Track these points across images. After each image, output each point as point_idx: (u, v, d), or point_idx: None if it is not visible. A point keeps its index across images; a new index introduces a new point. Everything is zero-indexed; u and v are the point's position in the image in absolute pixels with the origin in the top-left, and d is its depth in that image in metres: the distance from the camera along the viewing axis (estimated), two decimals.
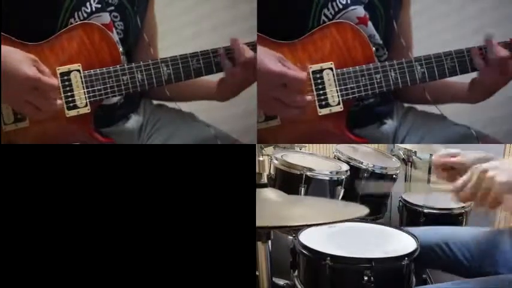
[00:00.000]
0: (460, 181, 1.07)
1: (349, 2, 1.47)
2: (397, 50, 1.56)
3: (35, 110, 1.38)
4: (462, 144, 1.51)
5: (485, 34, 1.43)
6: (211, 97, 1.55)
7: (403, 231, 1.51)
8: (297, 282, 1.42)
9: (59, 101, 1.39)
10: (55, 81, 1.38)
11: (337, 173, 2.15)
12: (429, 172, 3.01)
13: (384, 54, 1.54)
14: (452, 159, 1.31)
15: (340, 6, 1.46)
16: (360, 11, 1.48)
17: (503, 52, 1.40)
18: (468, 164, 1.25)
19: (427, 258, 1.41)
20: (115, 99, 1.54)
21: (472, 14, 1.69)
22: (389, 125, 1.59)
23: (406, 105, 1.63)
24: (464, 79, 1.49)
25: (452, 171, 1.32)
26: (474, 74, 1.46)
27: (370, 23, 1.49)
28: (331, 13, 1.46)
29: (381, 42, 1.52)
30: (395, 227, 1.56)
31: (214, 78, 1.51)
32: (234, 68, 1.44)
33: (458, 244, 1.40)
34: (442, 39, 1.70)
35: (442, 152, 1.36)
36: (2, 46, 1.36)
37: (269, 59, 1.38)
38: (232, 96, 1.53)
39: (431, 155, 2.89)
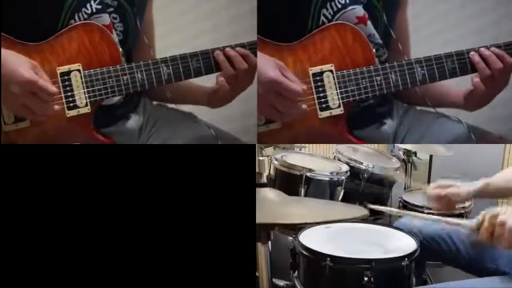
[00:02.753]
0: (474, 224, 1.13)
1: (348, 1, 1.46)
2: (396, 50, 1.55)
3: (32, 113, 1.39)
4: (461, 144, 1.52)
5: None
6: (203, 103, 1.56)
7: (403, 231, 1.51)
8: (296, 283, 1.41)
9: (56, 106, 1.40)
10: (53, 87, 1.39)
11: (337, 173, 2.14)
12: (429, 172, 3.01)
13: (384, 54, 1.54)
14: (446, 190, 1.39)
15: (339, 6, 1.46)
16: (359, 10, 1.48)
17: (498, 65, 1.40)
18: (462, 195, 1.34)
19: (430, 249, 1.42)
20: (115, 99, 1.54)
21: (472, 14, 1.69)
22: (389, 125, 1.59)
23: (405, 104, 1.63)
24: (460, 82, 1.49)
25: (447, 200, 1.43)
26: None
27: (369, 23, 1.49)
28: (330, 13, 1.46)
29: (380, 41, 1.52)
30: (395, 227, 1.56)
31: (208, 83, 1.52)
32: (225, 80, 1.44)
33: (462, 239, 1.41)
34: (442, 39, 1.69)
35: (436, 184, 1.44)
36: (3, 50, 1.36)
37: (268, 65, 1.39)
38: (224, 104, 1.53)
39: (431, 155, 2.90)
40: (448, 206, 1.43)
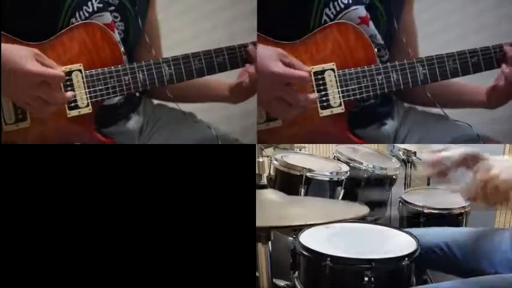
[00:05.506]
0: (464, 183, 1.12)
1: (350, 1, 1.46)
2: (398, 50, 1.55)
3: (44, 104, 1.38)
4: (463, 144, 1.52)
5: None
6: (223, 99, 1.56)
7: (403, 231, 1.51)
8: (297, 283, 1.41)
9: (69, 93, 1.40)
10: (60, 72, 1.38)
11: (337, 173, 2.15)
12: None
13: (386, 55, 1.54)
14: (440, 154, 1.36)
15: (342, 6, 1.46)
16: (361, 11, 1.48)
17: None
18: (456, 158, 1.32)
19: (428, 259, 1.42)
20: (115, 100, 1.54)
21: (473, 14, 1.69)
22: (390, 125, 1.59)
23: (406, 105, 1.63)
24: (478, 82, 1.50)
25: (442, 167, 1.36)
26: (482, 77, 1.46)
27: (371, 23, 1.49)
28: (332, 13, 1.46)
29: (382, 42, 1.52)
30: (395, 228, 1.56)
31: (222, 79, 1.52)
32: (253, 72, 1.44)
33: (459, 245, 1.40)
34: (443, 39, 1.70)
35: (431, 149, 1.40)
36: (3, 44, 1.36)
37: (270, 58, 1.38)
38: (246, 98, 1.53)
39: None
40: (443, 172, 1.38)
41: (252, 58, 1.44)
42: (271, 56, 1.39)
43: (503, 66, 1.42)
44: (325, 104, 1.43)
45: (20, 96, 1.38)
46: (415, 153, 2.68)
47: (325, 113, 1.44)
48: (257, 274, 1.14)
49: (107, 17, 1.48)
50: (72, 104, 1.42)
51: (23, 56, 1.34)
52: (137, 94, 1.61)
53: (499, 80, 1.43)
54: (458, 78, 1.46)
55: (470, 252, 1.38)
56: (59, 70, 1.39)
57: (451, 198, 2.12)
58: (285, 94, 1.39)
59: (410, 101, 1.63)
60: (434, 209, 2.15)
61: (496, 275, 1.29)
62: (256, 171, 1.17)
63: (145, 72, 1.44)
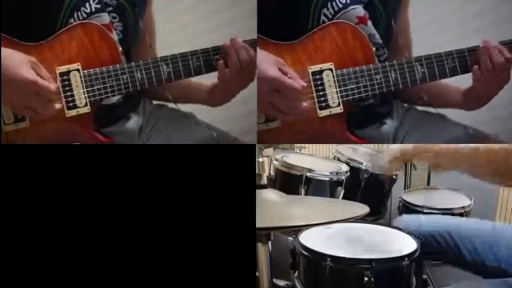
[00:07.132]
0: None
1: (348, 1, 1.47)
2: (396, 49, 1.56)
3: (34, 113, 1.39)
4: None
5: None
6: (203, 102, 1.56)
7: (403, 231, 1.51)
8: (297, 283, 1.41)
9: (57, 105, 1.40)
10: (53, 85, 1.39)
11: (337, 173, 2.15)
12: (429, 172, 3.02)
13: (384, 54, 1.54)
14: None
15: (340, 6, 1.47)
16: (359, 10, 1.48)
17: (498, 58, 1.40)
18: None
19: (429, 247, 1.41)
20: (114, 99, 1.54)
21: (472, 14, 1.69)
22: (390, 125, 1.59)
23: (406, 105, 1.63)
24: (460, 84, 1.49)
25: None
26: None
27: (369, 22, 1.50)
28: (330, 13, 1.46)
29: (380, 41, 1.52)
30: (395, 228, 1.56)
31: (209, 82, 1.52)
32: (226, 72, 1.44)
33: (462, 236, 1.40)
34: (442, 39, 1.69)
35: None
36: (2, 48, 1.36)
37: (267, 62, 1.39)
38: (223, 101, 1.53)
39: None
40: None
41: (227, 53, 1.44)
42: (268, 61, 1.39)
43: (475, 67, 1.42)
44: (323, 104, 1.43)
45: (12, 102, 1.38)
46: None
47: (324, 113, 1.43)
48: (257, 274, 1.14)
49: (105, 18, 1.49)
50: (71, 104, 1.42)
51: (20, 62, 1.35)
52: (136, 94, 1.61)
53: (475, 81, 1.43)
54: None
55: (474, 246, 1.38)
56: (52, 83, 1.39)
57: (451, 198, 2.12)
58: (276, 101, 1.39)
59: (406, 100, 1.63)
60: (434, 209, 2.15)
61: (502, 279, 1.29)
62: (256, 171, 1.17)
63: (144, 71, 1.44)
